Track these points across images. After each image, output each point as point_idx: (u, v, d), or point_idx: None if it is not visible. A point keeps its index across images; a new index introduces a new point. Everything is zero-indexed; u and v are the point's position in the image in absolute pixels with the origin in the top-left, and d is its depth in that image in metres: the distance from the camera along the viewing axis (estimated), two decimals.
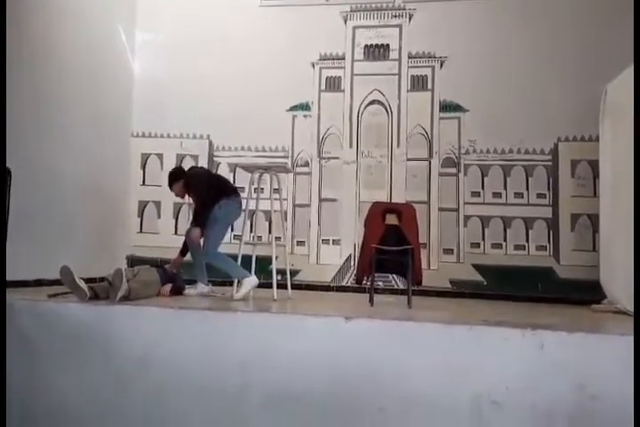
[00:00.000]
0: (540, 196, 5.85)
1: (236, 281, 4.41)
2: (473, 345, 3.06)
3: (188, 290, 4.60)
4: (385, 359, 3.10)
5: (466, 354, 3.05)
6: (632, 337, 2.92)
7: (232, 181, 6.05)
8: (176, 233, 6.19)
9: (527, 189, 5.87)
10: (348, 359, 3.13)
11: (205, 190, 4.43)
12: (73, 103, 5.32)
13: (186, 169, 4.89)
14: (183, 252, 4.77)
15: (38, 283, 4.25)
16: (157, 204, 6.29)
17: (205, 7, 6.33)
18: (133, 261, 5.95)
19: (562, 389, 2.90)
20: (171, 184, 4.74)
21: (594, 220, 5.48)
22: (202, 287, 4.67)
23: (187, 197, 4.79)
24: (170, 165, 6.34)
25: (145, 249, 6.12)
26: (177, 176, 4.71)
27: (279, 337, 3.23)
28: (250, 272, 4.50)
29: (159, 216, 6.26)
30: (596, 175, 5.50)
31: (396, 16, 6.23)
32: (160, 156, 6.42)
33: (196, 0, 6.34)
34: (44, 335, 3.33)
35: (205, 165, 6.30)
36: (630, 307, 4.26)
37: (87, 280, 3.68)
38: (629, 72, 4.54)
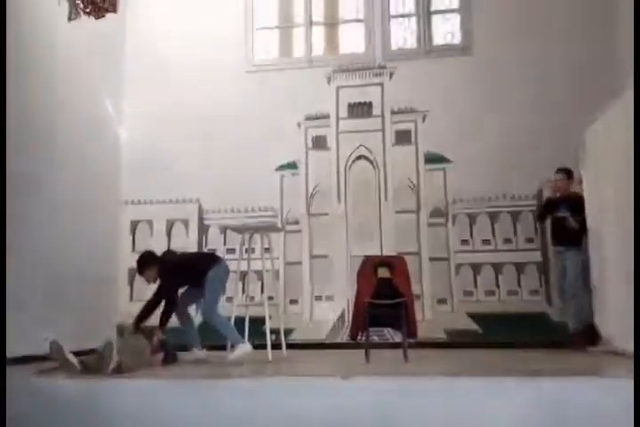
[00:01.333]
0: (528, 240, 5.90)
1: (229, 344, 4.37)
2: (472, 397, 3.02)
3: (184, 356, 4.53)
4: (385, 417, 3.03)
5: (465, 406, 3.00)
6: (631, 379, 2.90)
7: (223, 243, 6.15)
8: None
9: (515, 234, 5.93)
10: (347, 419, 3.06)
11: (170, 283, 4.46)
12: (60, 173, 5.39)
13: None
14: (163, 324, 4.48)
15: (25, 360, 4.16)
16: None
17: (192, 74, 6.59)
18: (124, 331, 5.83)
19: None
20: (142, 270, 4.59)
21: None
22: (196, 353, 4.61)
23: None
24: (160, 230, 6.42)
25: None
26: (149, 261, 4.58)
27: (276, 401, 3.16)
28: (244, 335, 4.50)
29: (149, 283, 6.18)
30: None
31: (377, 75, 6.50)
32: (150, 222, 6.50)
33: (183, 67, 6.60)
34: (34, 414, 3.24)
35: (196, 229, 6.37)
36: (625, 346, 4.22)
37: (77, 353, 3.64)
38: (606, 117, 4.73)
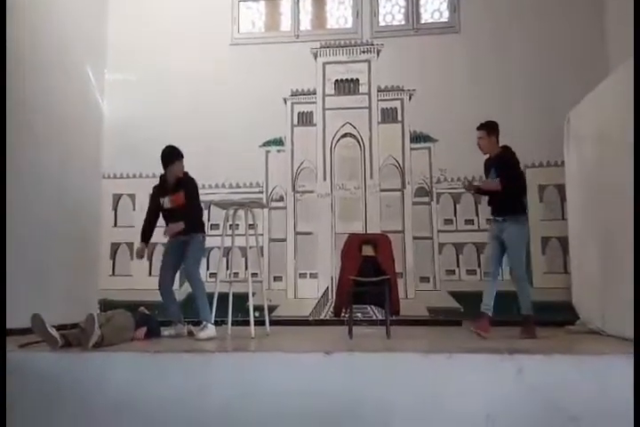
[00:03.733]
0: None
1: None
2: (453, 373, 3.08)
3: (166, 331, 4.54)
4: (367, 392, 3.08)
5: (446, 382, 3.06)
6: (608, 356, 2.98)
7: (207, 219, 6.11)
8: (150, 274, 6.11)
9: None
10: (330, 395, 3.10)
11: (200, 203, 4.64)
12: (42, 146, 5.31)
13: None
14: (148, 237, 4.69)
15: (7, 333, 4.13)
16: (130, 245, 6.21)
17: (176, 46, 6.44)
18: (106, 305, 5.84)
19: (542, 412, 2.92)
20: (171, 162, 4.55)
21: (563, 242, 5.60)
22: (180, 328, 4.62)
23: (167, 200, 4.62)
24: (143, 204, 6.31)
25: (118, 292, 6.03)
26: (179, 154, 4.58)
27: (258, 376, 3.19)
28: (227, 311, 4.58)
29: (132, 258, 6.16)
30: (563, 199, 5.63)
31: (364, 51, 6.42)
32: (132, 196, 6.40)
33: (167, 40, 6.45)
34: (15, 387, 3.22)
35: None
36: (603, 326, 4.31)
37: (59, 327, 3.61)
38: (590, 99, 4.74)
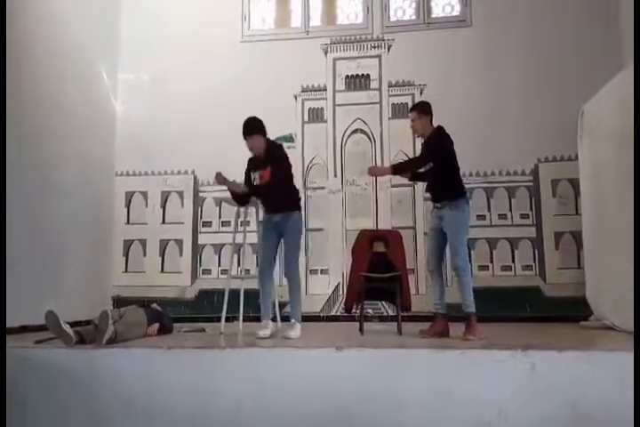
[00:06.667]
0: (523, 216, 5.92)
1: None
2: (465, 369, 3.07)
3: (260, 331, 4.07)
4: (378, 388, 3.08)
5: (458, 378, 3.04)
6: (622, 352, 2.95)
7: (218, 215, 6.13)
8: (162, 271, 6.19)
9: (510, 210, 5.94)
10: (341, 391, 3.11)
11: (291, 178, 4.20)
12: (56, 144, 5.37)
13: None
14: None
15: (23, 329, 4.19)
16: (143, 242, 6.29)
17: (187, 45, 6.47)
18: (120, 302, 5.90)
19: (555, 409, 2.90)
20: (251, 133, 4.07)
21: (577, 237, 5.55)
22: (273, 326, 4.21)
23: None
24: (155, 202, 6.38)
25: (131, 289, 6.09)
26: (261, 127, 4.12)
27: (270, 372, 3.20)
28: (239, 308, 4.54)
29: (145, 254, 6.23)
30: (577, 193, 5.59)
31: (375, 47, 6.41)
32: (144, 193, 6.46)
33: (178, 38, 6.48)
34: (31, 383, 3.27)
35: (191, 201, 6.32)
36: (617, 322, 4.27)
37: (73, 324, 3.65)
38: (604, 92, 4.68)
